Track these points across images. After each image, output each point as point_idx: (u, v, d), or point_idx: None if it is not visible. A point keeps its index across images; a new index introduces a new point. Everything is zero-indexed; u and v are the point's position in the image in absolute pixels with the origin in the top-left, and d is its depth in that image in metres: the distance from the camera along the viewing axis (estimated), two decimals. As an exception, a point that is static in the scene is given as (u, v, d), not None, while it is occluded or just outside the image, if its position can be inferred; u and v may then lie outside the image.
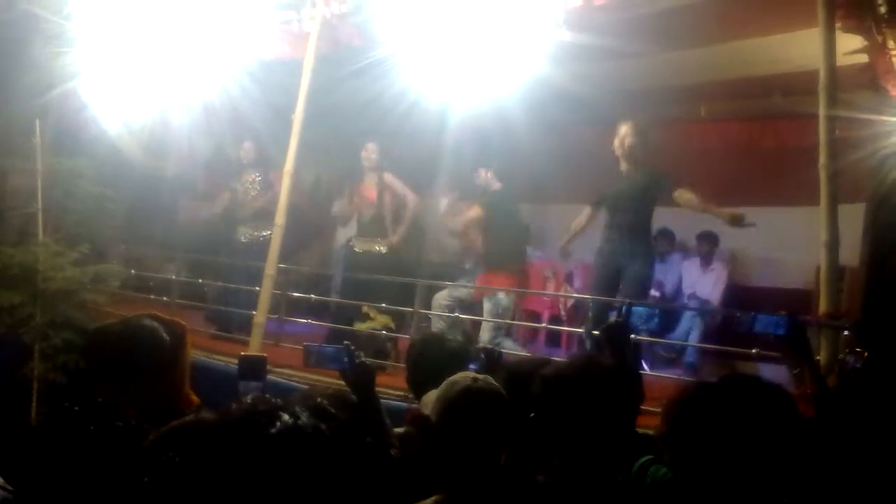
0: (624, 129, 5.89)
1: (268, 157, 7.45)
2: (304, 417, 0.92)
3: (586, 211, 6.27)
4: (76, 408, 1.70)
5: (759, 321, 3.15)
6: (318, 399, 0.97)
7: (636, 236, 5.81)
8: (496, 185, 6.83)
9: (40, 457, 1.62)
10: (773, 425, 2.10)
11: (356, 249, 7.28)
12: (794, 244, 7.13)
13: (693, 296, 8.13)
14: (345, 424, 0.93)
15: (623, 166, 5.93)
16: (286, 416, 0.92)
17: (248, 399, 0.96)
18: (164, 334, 2.44)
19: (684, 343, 7.27)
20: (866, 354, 3.42)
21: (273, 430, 0.90)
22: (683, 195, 5.72)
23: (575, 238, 6.40)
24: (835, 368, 3.68)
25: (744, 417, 2.08)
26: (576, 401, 2.27)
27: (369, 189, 7.18)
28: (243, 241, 7.50)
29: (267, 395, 1.01)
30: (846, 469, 2.53)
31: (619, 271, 5.78)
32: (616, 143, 5.92)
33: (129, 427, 1.64)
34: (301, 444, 0.90)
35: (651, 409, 2.76)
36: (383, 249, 7.15)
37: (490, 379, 2.36)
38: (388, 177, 7.12)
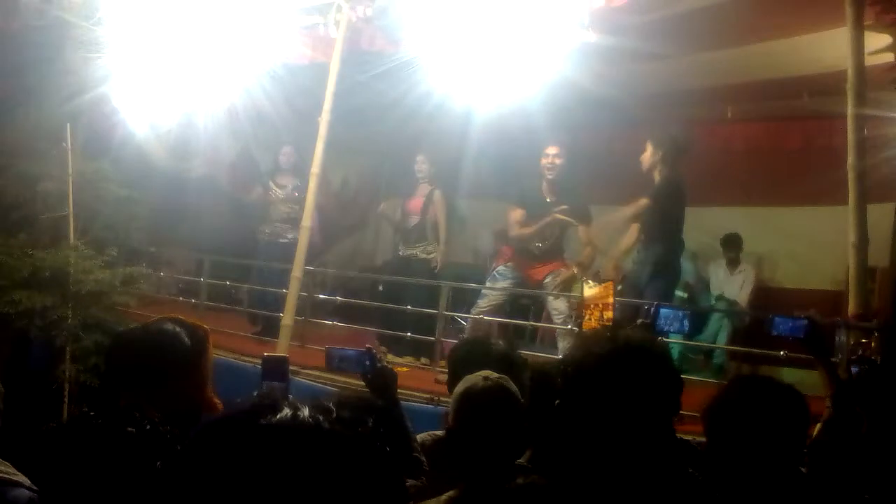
0: (648, 148, 5.91)
1: (306, 163, 7.57)
2: (305, 412, 0.93)
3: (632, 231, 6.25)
4: (95, 412, 1.72)
5: (777, 324, 3.14)
6: (335, 399, 0.98)
7: (657, 245, 5.81)
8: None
9: (62, 459, 1.64)
10: (785, 424, 2.11)
11: (401, 254, 7.55)
12: (823, 245, 7.07)
13: (720, 297, 8.08)
14: (346, 421, 0.94)
15: (655, 178, 5.93)
16: (286, 409, 0.93)
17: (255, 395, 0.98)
18: (186, 338, 2.46)
19: (712, 345, 7.22)
20: (871, 354, 3.40)
21: (271, 421, 0.91)
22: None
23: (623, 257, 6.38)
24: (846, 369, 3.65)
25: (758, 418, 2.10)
26: (602, 382, 1.88)
27: (417, 200, 7.47)
28: (265, 240, 7.69)
29: (290, 396, 1.03)
30: (863, 467, 2.51)
31: (644, 280, 5.81)
32: (643, 160, 5.94)
33: (148, 430, 1.66)
34: (298, 436, 0.91)
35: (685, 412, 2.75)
36: (426, 255, 7.42)
37: (506, 378, 2.37)
38: (438, 195, 7.41)
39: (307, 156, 6.85)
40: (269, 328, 7.07)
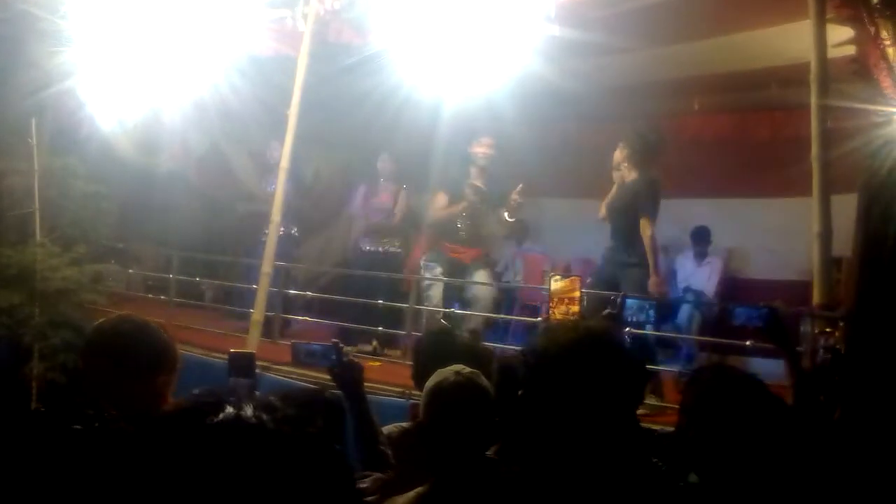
0: (619, 146, 5.93)
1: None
2: (248, 410, 0.92)
3: None
4: (44, 408, 1.70)
5: (739, 314, 3.19)
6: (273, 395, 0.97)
7: (632, 241, 5.83)
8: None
9: (8, 458, 1.62)
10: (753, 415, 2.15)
11: (368, 249, 7.60)
12: (790, 236, 7.13)
13: (688, 289, 8.15)
14: (292, 419, 0.93)
15: (625, 177, 5.94)
16: (229, 408, 0.92)
17: (196, 391, 0.97)
18: (159, 333, 2.45)
19: (678, 336, 7.27)
20: (835, 343, 3.46)
21: (213, 421, 0.91)
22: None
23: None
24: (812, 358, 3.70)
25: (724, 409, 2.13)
26: (563, 371, 1.87)
27: (384, 196, 7.60)
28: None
29: (256, 392, 1.02)
30: (825, 456, 2.55)
31: (617, 277, 5.81)
32: (613, 159, 5.96)
33: (96, 427, 1.64)
34: (241, 435, 0.90)
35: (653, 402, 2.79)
36: (392, 249, 7.59)
37: (477, 373, 2.38)
38: (404, 194, 7.63)
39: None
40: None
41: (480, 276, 6.75)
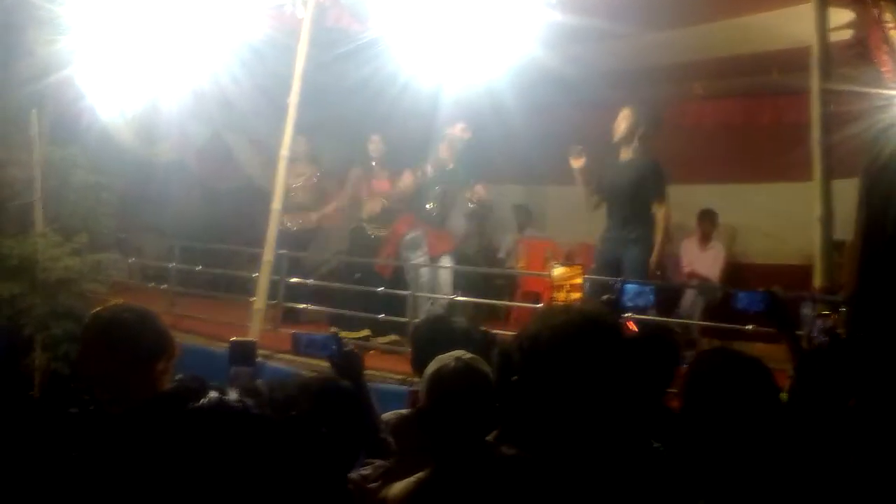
0: (622, 114, 5.90)
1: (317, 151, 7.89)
2: (232, 395, 0.92)
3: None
4: (42, 394, 1.71)
5: (741, 298, 3.19)
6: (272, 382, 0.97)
7: (634, 225, 5.83)
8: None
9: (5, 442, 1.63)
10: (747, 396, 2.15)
11: (370, 234, 7.51)
12: (793, 220, 7.12)
13: (692, 274, 8.14)
14: (277, 404, 0.93)
15: (622, 154, 5.93)
16: (213, 393, 0.92)
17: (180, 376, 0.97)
18: (156, 321, 2.46)
19: (681, 321, 7.26)
20: (834, 327, 3.45)
21: (196, 406, 0.90)
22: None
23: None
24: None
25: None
26: (556, 353, 1.86)
27: (381, 182, 7.49)
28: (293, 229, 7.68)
29: (258, 380, 1.02)
30: (823, 439, 2.54)
31: (619, 260, 5.82)
32: (615, 128, 5.93)
33: (91, 411, 1.64)
34: (223, 419, 0.90)
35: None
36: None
37: (477, 358, 2.37)
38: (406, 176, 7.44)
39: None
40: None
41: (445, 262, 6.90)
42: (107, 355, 2.37)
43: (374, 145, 7.50)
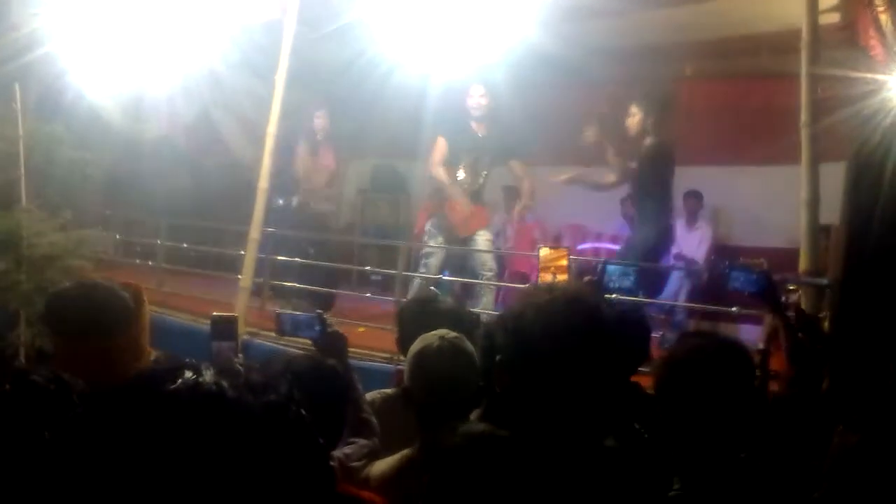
0: (630, 111, 6.00)
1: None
2: (208, 376, 0.91)
3: None
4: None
5: (735, 277, 3.15)
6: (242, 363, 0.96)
7: (643, 206, 5.94)
8: None
9: None
10: (734, 380, 2.15)
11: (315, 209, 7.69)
12: (780, 203, 7.14)
13: (679, 255, 8.15)
14: (255, 386, 0.92)
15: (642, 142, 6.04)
16: (188, 374, 0.91)
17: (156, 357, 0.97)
18: (121, 294, 2.44)
19: (666, 302, 7.29)
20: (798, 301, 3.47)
21: (171, 388, 0.89)
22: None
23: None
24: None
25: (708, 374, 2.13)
26: (538, 331, 1.83)
27: (327, 157, 7.62)
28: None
29: (239, 356, 1.01)
30: (818, 423, 2.56)
31: (647, 235, 6.03)
32: (628, 126, 6.05)
33: (52, 390, 1.63)
34: (199, 402, 0.89)
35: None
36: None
37: (461, 337, 2.38)
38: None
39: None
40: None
41: (483, 241, 6.74)
42: (56, 334, 2.36)
43: (320, 120, 7.51)
